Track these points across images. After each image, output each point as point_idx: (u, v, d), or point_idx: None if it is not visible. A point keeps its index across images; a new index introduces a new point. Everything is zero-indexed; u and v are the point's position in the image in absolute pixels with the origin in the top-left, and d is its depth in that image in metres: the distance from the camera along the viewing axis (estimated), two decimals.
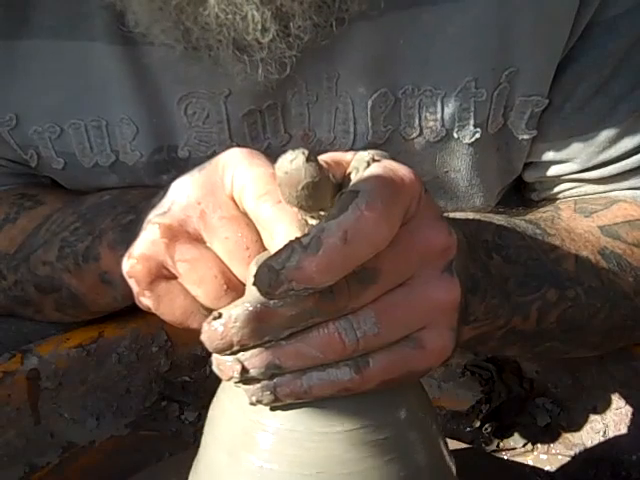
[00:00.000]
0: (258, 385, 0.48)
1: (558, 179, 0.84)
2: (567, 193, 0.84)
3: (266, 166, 0.49)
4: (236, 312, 0.46)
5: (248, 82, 0.72)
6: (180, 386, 0.84)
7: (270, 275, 0.44)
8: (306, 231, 0.46)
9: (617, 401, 0.79)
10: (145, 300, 0.51)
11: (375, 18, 0.72)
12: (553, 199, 0.85)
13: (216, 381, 0.54)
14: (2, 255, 0.80)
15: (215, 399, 0.55)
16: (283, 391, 0.48)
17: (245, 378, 0.48)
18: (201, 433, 0.55)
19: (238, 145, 0.75)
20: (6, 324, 0.82)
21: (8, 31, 0.75)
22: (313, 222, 0.47)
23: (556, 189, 0.85)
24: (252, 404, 0.49)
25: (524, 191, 0.89)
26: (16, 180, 0.85)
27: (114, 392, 0.81)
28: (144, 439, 0.81)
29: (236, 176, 0.50)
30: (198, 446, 0.55)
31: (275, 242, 0.47)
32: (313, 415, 0.50)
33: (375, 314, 0.47)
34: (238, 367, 0.48)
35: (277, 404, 0.49)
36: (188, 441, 0.81)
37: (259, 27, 0.66)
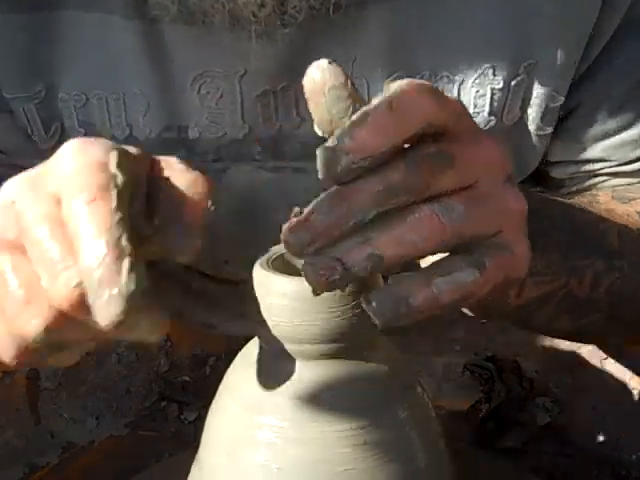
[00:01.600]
0: (390, 302, 0.45)
1: (592, 173, 0.83)
2: (600, 185, 0.84)
3: (93, 156, 0.43)
4: (314, 203, 0.44)
5: (264, 62, 0.73)
6: (180, 386, 0.84)
7: (327, 154, 0.43)
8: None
9: (617, 401, 0.79)
10: None
11: (394, 1, 0.73)
12: (585, 191, 0.84)
13: (216, 381, 0.55)
14: None
15: (216, 398, 0.55)
16: (416, 301, 0.45)
17: (346, 277, 0.44)
18: (201, 433, 0.55)
19: (249, 127, 0.76)
20: None
21: (38, 3, 0.76)
22: None
23: (589, 182, 0.84)
24: (385, 325, 0.45)
25: (547, 188, 0.88)
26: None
27: (114, 392, 0.82)
28: (144, 439, 0.81)
29: (57, 169, 0.44)
30: (198, 446, 0.55)
31: (82, 241, 0.39)
32: (313, 414, 0.50)
33: (462, 203, 0.46)
34: (337, 264, 0.44)
35: (410, 321, 0.45)
36: (188, 441, 0.81)
37: (258, 2, 0.67)
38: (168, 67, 0.77)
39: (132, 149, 0.45)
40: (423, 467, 0.52)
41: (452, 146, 0.46)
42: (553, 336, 0.80)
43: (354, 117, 0.43)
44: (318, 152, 0.43)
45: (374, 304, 0.44)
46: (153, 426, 0.83)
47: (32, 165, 0.74)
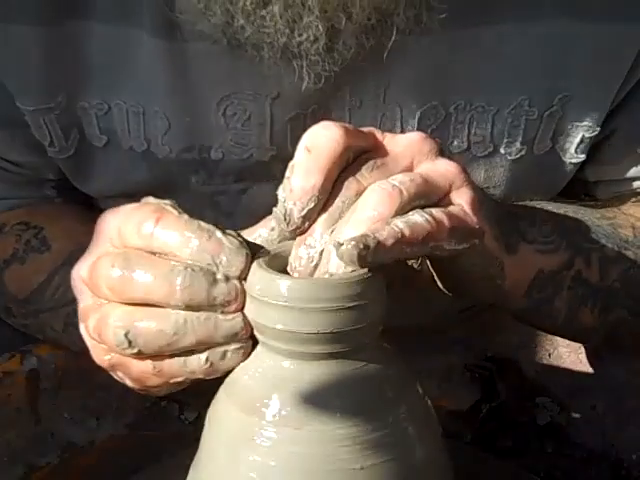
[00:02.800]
0: (358, 238, 0.47)
1: (636, 191, 0.84)
2: None
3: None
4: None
5: (297, 86, 0.72)
6: None
7: (278, 210, 0.51)
8: None
9: (617, 401, 0.79)
10: None
11: (433, 34, 0.72)
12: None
13: (216, 381, 0.55)
14: (12, 296, 0.81)
15: (216, 398, 0.55)
16: (382, 235, 0.48)
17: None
18: (201, 433, 0.55)
19: (277, 149, 0.76)
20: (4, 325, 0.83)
21: (64, 12, 0.75)
22: None
23: (634, 200, 0.84)
24: (355, 261, 0.48)
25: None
26: (19, 192, 0.85)
27: (114, 392, 0.81)
28: (144, 439, 0.81)
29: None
30: (198, 446, 0.55)
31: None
32: (312, 414, 0.50)
33: (404, 175, 0.52)
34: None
35: (382, 258, 0.48)
36: (188, 441, 0.81)
37: (311, 38, 0.67)
38: (193, 88, 0.76)
39: None
40: (422, 467, 0.52)
41: (373, 155, 0.53)
42: (584, 338, 0.78)
43: (287, 172, 0.50)
44: (273, 213, 0.51)
45: (344, 245, 0.47)
46: (153, 426, 0.83)
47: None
